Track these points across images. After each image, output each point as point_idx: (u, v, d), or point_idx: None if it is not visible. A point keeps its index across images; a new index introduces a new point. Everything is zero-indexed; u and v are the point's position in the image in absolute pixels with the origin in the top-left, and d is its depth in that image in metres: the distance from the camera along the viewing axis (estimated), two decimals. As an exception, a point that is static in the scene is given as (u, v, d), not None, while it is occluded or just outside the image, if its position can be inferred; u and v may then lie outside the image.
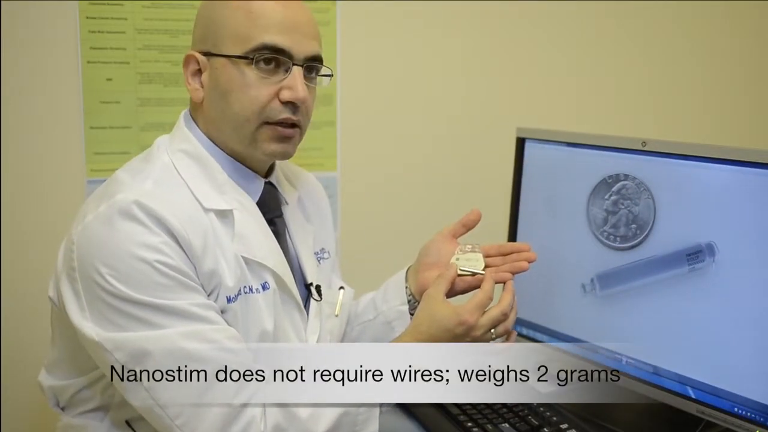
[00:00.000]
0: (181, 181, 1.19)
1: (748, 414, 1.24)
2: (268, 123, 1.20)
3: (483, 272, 1.31)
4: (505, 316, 1.23)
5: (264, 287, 1.21)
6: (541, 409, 1.36)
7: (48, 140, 1.72)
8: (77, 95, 1.73)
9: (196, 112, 1.26)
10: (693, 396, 1.32)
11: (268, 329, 1.20)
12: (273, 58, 1.18)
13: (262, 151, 1.22)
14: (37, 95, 1.70)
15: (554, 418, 1.33)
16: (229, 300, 1.16)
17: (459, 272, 1.30)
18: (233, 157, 1.24)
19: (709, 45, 2.26)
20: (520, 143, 1.63)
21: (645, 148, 1.39)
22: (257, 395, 1.11)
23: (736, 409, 1.26)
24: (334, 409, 1.13)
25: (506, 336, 1.25)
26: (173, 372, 1.08)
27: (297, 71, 1.20)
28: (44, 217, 1.72)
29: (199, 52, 1.22)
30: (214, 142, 1.24)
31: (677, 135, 1.92)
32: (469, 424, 1.33)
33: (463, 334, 1.20)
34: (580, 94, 2.16)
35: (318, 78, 1.26)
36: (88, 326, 1.10)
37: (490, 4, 2.03)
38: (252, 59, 1.17)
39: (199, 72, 1.22)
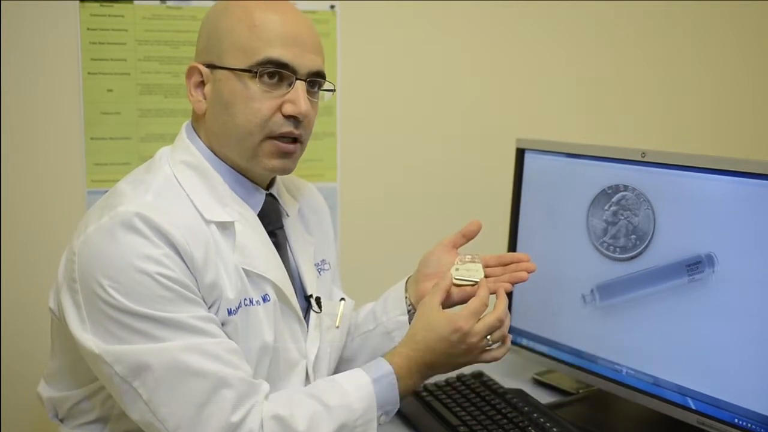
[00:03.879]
0: (182, 193, 1.19)
1: (749, 425, 1.24)
2: (270, 138, 1.20)
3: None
4: (500, 322, 1.23)
5: (264, 299, 1.21)
6: (542, 420, 1.36)
7: (49, 151, 1.73)
8: (78, 106, 1.73)
9: (198, 123, 1.26)
10: (693, 407, 1.31)
11: (269, 341, 1.20)
12: (276, 72, 1.19)
13: (262, 166, 1.22)
14: (38, 106, 1.71)
15: (555, 429, 1.33)
16: (230, 312, 1.16)
17: (454, 282, 1.30)
18: (235, 169, 1.24)
19: (711, 56, 2.27)
20: (520, 154, 1.63)
21: (644, 159, 1.39)
22: (255, 409, 1.10)
23: (736, 420, 1.26)
24: (332, 422, 1.13)
25: (502, 341, 1.25)
26: (173, 385, 1.07)
27: (300, 85, 1.20)
28: (44, 228, 1.72)
29: (202, 64, 1.22)
30: (215, 154, 1.24)
31: (679, 145, 1.93)
32: (470, 435, 1.33)
33: (458, 341, 1.20)
34: (580, 105, 2.16)
35: (320, 93, 1.26)
36: (88, 338, 1.10)
37: (491, 13, 2.03)
38: (255, 73, 1.18)
39: (202, 84, 1.22)
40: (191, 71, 1.22)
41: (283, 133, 1.20)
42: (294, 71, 1.19)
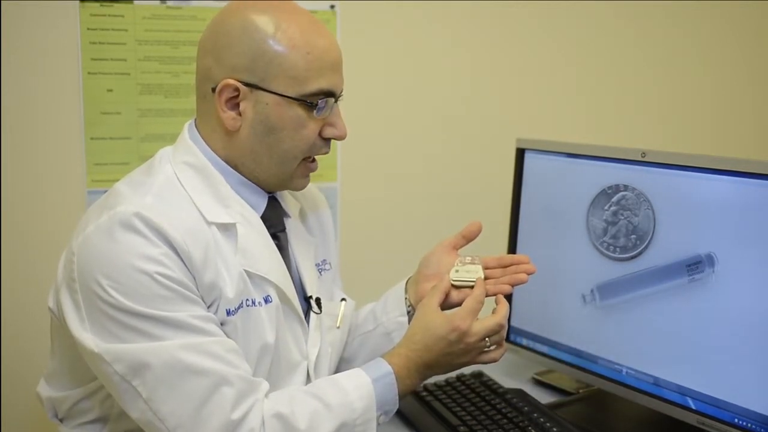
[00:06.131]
0: (183, 194, 1.18)
1: (749, 425, 1.24)
2: (305, 159, 1.23)
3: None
4: (500, 327, 1.23)
5: (266, 300, 1.21)
6: (542, 420, 1.36)
7: (49, 151, 1.72)
8: (78, 106, 1.73)
9: (214, 133, 1.22)
10: (693, 407, 1.31)
11: (270, 342, 1.20)
12: (325, 99, 1.20)
13: (294, 185, 1.26)
14: (38, 106, 1.71)
15: (555, 429, 1.33)
16: (228, 313, 1.16)
17: (453, 283, 1.30)
18: (240, 173, 1.23)
19: (711, 56, 2.27)
20: (520, 154, 1.63)
21: (644, 159, 1.39)
22: (256, 407, 1.10)
23: (736, 420, 1.25)
24: (332, 421, 1.13)
25: (498, 344, 1.25)
26: (172, 384, 1.07)
27: (337, 108, 1.23)
28: (44, 228, 1.72)
29: (241, 82, 1.17)
30: (228, 164, 1.22)
31: (679, 145, 1.93)
32: (469, 435, 1.33)
33: (456, 340, 1.21)
34: (580, 105, 2.16)
35: None
36: (87, 337, 1.10)
37: (491, 13, 2.03)
38: (308, 103, 1.18)
39: (234, 99, 1.18)
40: (225, 87, 1.17)
41: (319, 155, 1.24)
42: (334, 95, 1.21)
